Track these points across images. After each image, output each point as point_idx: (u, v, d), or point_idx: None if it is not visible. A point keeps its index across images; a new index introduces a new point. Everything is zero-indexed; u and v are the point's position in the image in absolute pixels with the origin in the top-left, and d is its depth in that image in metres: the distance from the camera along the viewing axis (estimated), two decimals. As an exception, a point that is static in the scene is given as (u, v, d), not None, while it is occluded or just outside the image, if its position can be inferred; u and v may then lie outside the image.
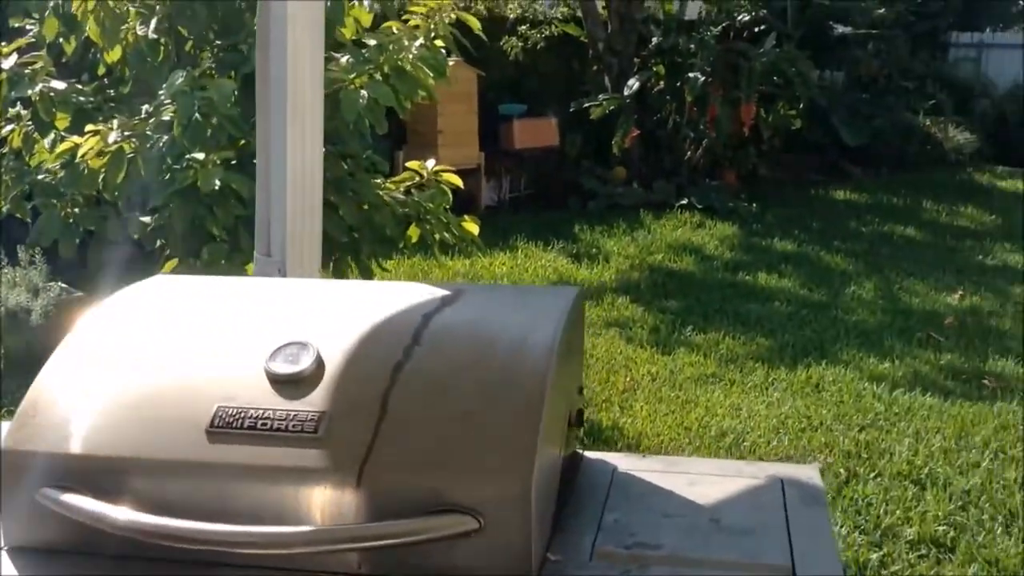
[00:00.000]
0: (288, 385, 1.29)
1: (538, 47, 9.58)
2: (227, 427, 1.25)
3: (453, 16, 4.17)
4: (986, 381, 4.71)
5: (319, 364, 1.31)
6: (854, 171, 11.58)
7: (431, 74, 3.84)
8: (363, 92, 3.48)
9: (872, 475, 3.67)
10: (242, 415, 1.26)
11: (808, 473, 1.56)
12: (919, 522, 3.32)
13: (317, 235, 1.91)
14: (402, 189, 4.69)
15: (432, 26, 4.02)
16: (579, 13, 9.73)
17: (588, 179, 9.76)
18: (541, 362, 1.29)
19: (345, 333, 1.38)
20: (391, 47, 3.82)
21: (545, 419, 1.24)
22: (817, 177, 11.28)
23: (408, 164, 4.84)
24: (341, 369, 1.31)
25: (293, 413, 1.26)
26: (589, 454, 1.64)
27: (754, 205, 9.44)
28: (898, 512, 3.38)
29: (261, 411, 1.27)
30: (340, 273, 4.51)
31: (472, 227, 4.95)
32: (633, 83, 9.10)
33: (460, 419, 1.24)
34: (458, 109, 9.06)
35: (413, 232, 4.71)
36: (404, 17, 4.08)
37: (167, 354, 1.38)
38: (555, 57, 10.12)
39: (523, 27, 9.57)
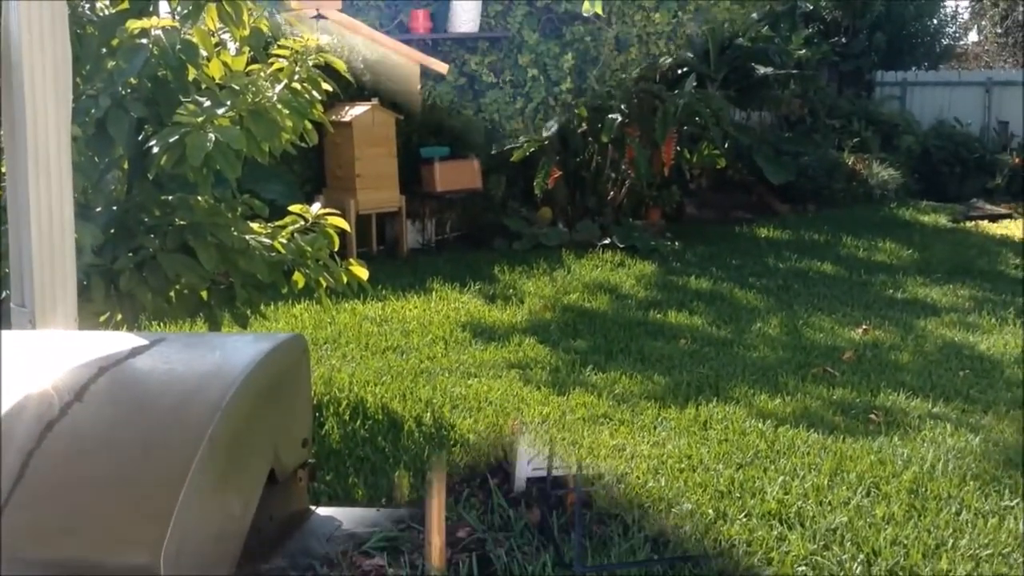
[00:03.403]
0: (-70, 448, 1.21)
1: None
2: None
3: (321, 59, 4.15)
4: (873, 416, 4.70)
5: (-34, 425, 1.22)
6: (781, 208, 11.72)
7: (290, 116, 3.79)
8: (210, 136, 3.41)
9: (741, 515, 3.61)
10: None
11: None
12: (779, 564, 3.26)
13: (71, 286, 1.83)
14: (287, 233, 4.63)
15: (296, 68, 3.98)
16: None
17: (513, 220, 9.75)
18: (203, 418, 1.22)
19: (10, 389, 1.29)
20: (251, 89, 3.77)
21: (200, 480, 1.17)
22: (744, 215, 11.40)
23: (291, 208, 4.79)
24: (-9, 430, 1.23)
25: (-76, 478, 1.17)
26: (321, 510, 1.56)
27: (676, 243, 9.48)
28: (760, 554, 3.33)
29: None
30: (215, 321, 4.41)
31: (360, 271, 4.89)
32: (552, 124, 9.15)
33: (100, 483, 1.17)
34: (376, 152, 9.02)
35: (299, 278, 4.64)
36: (269, 60, 4.04)
37: None
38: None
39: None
